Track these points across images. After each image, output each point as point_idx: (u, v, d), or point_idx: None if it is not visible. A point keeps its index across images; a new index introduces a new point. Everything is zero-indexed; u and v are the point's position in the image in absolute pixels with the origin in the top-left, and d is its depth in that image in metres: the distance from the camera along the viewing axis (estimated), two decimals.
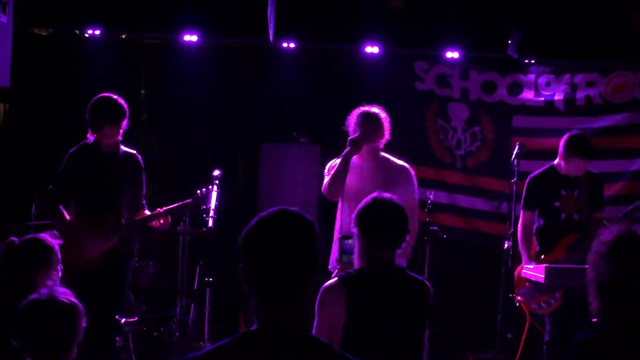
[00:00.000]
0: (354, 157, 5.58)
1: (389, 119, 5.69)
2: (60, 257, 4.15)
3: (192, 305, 7.43)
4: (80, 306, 3.22)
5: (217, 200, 6.23)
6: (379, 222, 3.69)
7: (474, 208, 8.27)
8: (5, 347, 3.47)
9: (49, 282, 4.01)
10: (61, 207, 5.74)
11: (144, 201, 6.00)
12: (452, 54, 8.08)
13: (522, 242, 6.14)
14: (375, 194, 3.81)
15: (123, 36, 8.45)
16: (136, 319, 7.35)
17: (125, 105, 5.84)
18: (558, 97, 8.08)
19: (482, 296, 7.71)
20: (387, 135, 5.68)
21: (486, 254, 7.82)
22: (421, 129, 8.40)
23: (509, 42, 7.70)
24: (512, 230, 6.61)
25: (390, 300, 3.63)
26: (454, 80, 8.34)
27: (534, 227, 6.16)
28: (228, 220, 6.56)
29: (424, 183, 8.24)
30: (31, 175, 8.08)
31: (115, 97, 5.83)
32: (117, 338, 6.61)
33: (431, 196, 6.74)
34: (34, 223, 6.97)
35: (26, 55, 7.89)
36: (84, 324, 3.22)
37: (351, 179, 5.47)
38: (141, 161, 5.94)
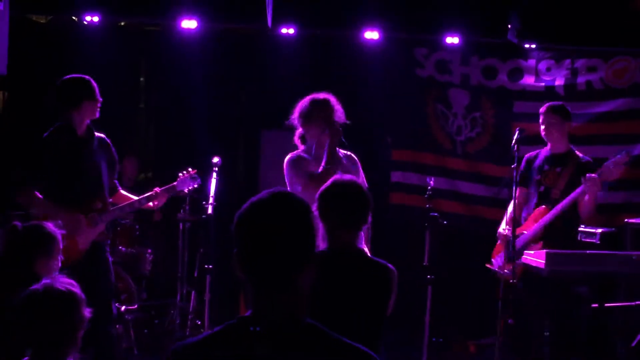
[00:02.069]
0: (307, 146, 5.51)
1: (340, 108, 5.52)
2: (61, 247, 4.14)
3: (193, 292, 7.44)
4: (81, 295, 3.19)
5: (216, 188, 6.21)
6: (338, 203, 3.66)
7: (474, 194, 8.26)
8: (5, 335, 3.47)
9: (50, 272, 4.01)
10: (39, 195, 5.42)
11: (116, 181, 5.85)
12: (452, 40, 8.04)
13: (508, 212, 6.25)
14: (336, 176, 3.80)
15: (122, 23, 8.42)
16: (136, 306, 7.36)
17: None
18: (559, 82, 8.05)
19: (483, 282, 7.70)
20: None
21: (486, 240, 7.80)
22: (421, 115, 8.38)
23: (509, 27, 7.66)
24: (514, 215, 6.59)
25: (347, 282, 3.59)
26: (454, 66, 8.31)
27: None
28: (228, 208, 6.53)
29: (424, 169, 8.25)
30: (30, 165, 8.06)
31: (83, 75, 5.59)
32: (117, 326, 6.61)
33: (431, 182, 6.70)
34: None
35: (24, 42, 7.86)
36: (87, 314, 3.18)
37: (313, 169, 5.38)
38: (110, 142, 5.76)
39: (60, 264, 4.13)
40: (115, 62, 8.16)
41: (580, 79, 8.00)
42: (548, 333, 6.12)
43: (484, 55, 8.24)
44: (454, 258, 7.87)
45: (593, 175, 5.76)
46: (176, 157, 8.38)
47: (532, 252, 5.81)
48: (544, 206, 6.02)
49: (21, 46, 7.71)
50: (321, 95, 5.50)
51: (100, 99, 5.57)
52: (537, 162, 6.23)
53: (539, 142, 7.57)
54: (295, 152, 5.54)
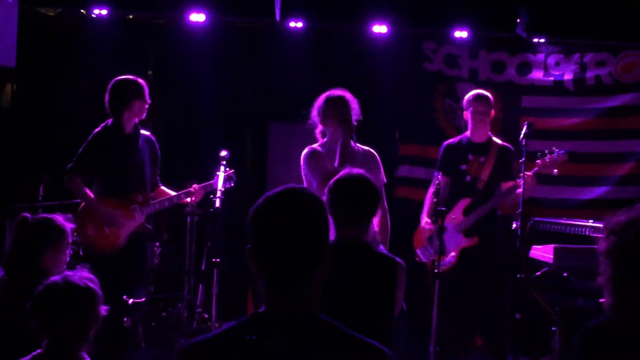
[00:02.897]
0: (323, 143, 5.57)
1: (357, 104, 5.59)
2: (71, 241, 4.13)
3: (200, 286, 7.44)
4: (99, 292, 3.20)
5: (224, 181, 6.21)
6: (345, 198, 3.66)
7: None
8: (15, 324, 3.48)
9: (59, 265, 4.01)
10: (82, 185, 5.81)
11: (158, 177, 6.20)
12: (461, 34, 8.02)
13: (427, 198, 6.47)
14: (344, 171, 3.79)
15: (130, 16, 8.42)
16: (144, 299, 7.36)
17: None
18: (567, 76, 8.03)
19: (490, 277, 7.67)
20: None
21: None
22: (429, 110, 8.37)
23: (518, 21, 7.64)
24: (520, 210, 6.58)
25: (353, 275, 3.58)
26: (463, 60, 8.29)
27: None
28: (236, 201, 6.55)
29: (432, 164, 8.21)
30: (38, 156, 8.09)
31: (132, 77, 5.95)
32: (125, 319, 6.62)
33: (439, 177, 6.70)
34: (41, 204, 6.97)
35: (32, 35, 7.87)
36: (103, 312, 3.19)
37: (329, 165, 5.38)
38: (155, 140, 6.14)
39: (68, 258, 4.13)
40: (123, 55, 8.15)
41: (589, 74, 7.97)
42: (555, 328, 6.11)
43: (492, 49, 8.22)
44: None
45: (529, 173, 5.96)
46: (184, 150, 8.38)
47: (539, 246, 5.81)
48: (469, 199, 6.15)
49: (30, 39, 7.72)
50: (336, 92, 5.57)
51: (149, 101, 5.96)
52: (459, 150, 6.34)
53: (547, 136, 7.58)
54: (311, 146, 5.61)
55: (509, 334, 6.41)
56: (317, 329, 2.09)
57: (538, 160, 6.10)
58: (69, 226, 4.12)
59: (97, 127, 5.93)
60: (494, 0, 7.73)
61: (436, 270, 5.65)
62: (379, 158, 5.61)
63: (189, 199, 6.14)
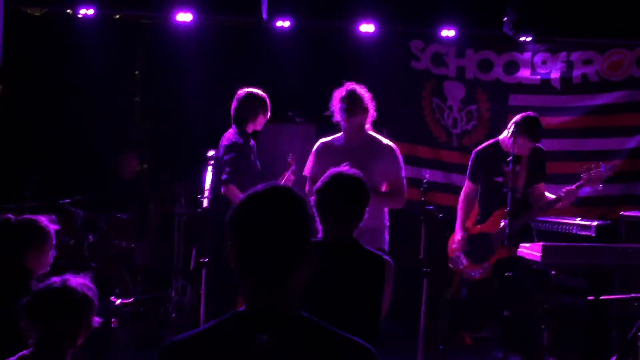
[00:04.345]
0: (340, 136, 5.69)
1: (370, 96, 5.69)
2: (54, 242, 4.09)
3: (188, 285, 7.43)
4: (96, 303, 3.17)
5: (212, 181, 6.20)
6: (331, 199, 3.65)
7: None
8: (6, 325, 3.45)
9: (42, 267, 3.97)
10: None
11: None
12: (448, 32, 8.03)
13: (460, 208, 6.49)
14: (335, 170, 3.76)
15: (116, 16, 8.38)
16: (132, 299, 7.35)
17: None
18: (554, 75, 8.05)
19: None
20: (371, 112, 5.69)
21: None
22: (417, 108, 8.38)
23: (505, 19, 7.65)
24: (507, 209, 6.59)
25: (339, 272, 3.57)
26: (450, 58, 8.30)
27: (477, 197, 6.45)
28: (224, 200, 6.54)
29: (420, 162, 8.24)
30: (25, 156, 8.06)
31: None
32: (113, 319, 6.61)
33: (427, 175, 6.70)
34: (28, 204, 6.95)
35: (18, 35, 7.83)
36: (95, 323, 3.17)
37: (335, 160, 5.39)
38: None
39: (52, 260, 4.09)
40: (110, 55, 8.13)
41: (576, 72, 7.99)
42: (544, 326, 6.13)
43: (479, 48, 8.23)
44: None
45: (572, 187, 6.00)
46: (172, 150, 8.36)
47: (527, 244, 5.82)
48: (507, 208, 6.00)
49: (16, 39, 7.68)
50: (343, 88, 5.67)
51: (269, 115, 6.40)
52: (491, 157, 6.32)
53: None
54: (329, 137, 5.80)
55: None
56: (298, 326, 2.08)
57: (583, 175, 6.07)
58: (52, 227, 4.08)
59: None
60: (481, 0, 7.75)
61: (425, 269, 5.67)
62: (397, 153, 5.69)
63: None
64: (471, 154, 6.60)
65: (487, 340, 7.09)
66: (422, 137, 8.34)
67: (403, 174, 5.71)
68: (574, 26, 7.69)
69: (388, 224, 5.71)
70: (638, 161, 7.72)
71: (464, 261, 6.29)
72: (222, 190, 6.03)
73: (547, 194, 6.31)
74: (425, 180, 6.59)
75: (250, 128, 6.35)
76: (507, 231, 5.92)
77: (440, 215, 6.59)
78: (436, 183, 8.08)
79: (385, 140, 5.75)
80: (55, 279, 3.16)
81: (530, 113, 6.29)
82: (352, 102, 5.60)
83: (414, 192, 6.82)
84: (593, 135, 7.87)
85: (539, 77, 8.11)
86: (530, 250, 5.75)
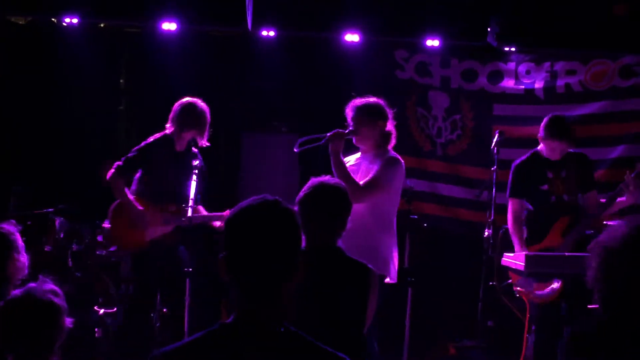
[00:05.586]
0: (359, 152, 5.46)
1: (380, 109, 5.41)
2: (22, 244, 3.98)
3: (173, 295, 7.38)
4: (63, 305, 3.13)
5: (196, 190, 6.19)
6: (313, 207, 3.68)
7: (454, 196, 8.28)
8: None
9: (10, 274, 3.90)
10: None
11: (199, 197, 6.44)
12: (433, 42, 8.04)
13: (513, 230, 5.97)
14: (316, 180, 3.77)
15: (101, 25, 8.37)
16: (115, 309, 7.31)
17: None
18: (538, 85, 8.10)
19: (463, 284, 7.72)
20: (380, 126, 5.38)
21: (467, 242, 7.83)
22: (402, 118, 8.36)
23: (489, 30, 7.68)
24: (492, 218, 6.61)
25: (323, 280, 3.59)
26: (435, 68, 8.34)
27: (524, 213, 6.02)
28: (208, 210, 6.53)
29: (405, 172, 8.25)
30: (9, 167, 8.02)
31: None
32: (96, 329, 6.58)
33: (412, 184, 6.72)
34: (11, 214, 6.91)
35: (2, 43, 7.81)
36: (68, 324, 3.12)
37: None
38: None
39: (27, 261, 3.98)
40: (95, 63, 8.11)
41: (560, 82, 8.04)
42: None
43: (463, 58, 8.27)
44: (434, 260, 7.88)
45: (622, 199, 5.77)
46: None
47: (511, 254, 5.83)
48: (567, 217, 5.85)
49: (0, 48, 7.66)
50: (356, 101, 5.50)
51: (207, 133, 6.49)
52: (533, 167, 6.01)
53: (519, 144, 7.63)
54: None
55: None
56: (285, 340, 2.10)
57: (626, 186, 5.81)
58: (14, 230, 3.96)
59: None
60: (465, 10, 7.76)
61: (409, 279, 5.65)
62: (399, 164, 5.34)
63: (218, 223, 6.35)
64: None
65: (471, 349, 7.11)
66: (407, 146, 8.34)
67: (381, 177, 5.22)
68: (558, 37, 7.73)
69: (393, 252, 5.32)
70: (621, 171, 7.75)
71: (531, 282, 5.82)
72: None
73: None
74: (409, 190, 6.61)
75: (177, 137, 6.50)
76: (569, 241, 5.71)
77: (425, 224, 6.61)
78: (421, 192, 8.10)
79: (394, 154, 5.41)
80: (17, 292, 3.12)
81: (555, 113, 6.10)
82: (355, 117, 5.40)
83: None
84: (576, 145, 7.91)
85: (523, 86, 8.16)
86: (514, 260, 5.77)
